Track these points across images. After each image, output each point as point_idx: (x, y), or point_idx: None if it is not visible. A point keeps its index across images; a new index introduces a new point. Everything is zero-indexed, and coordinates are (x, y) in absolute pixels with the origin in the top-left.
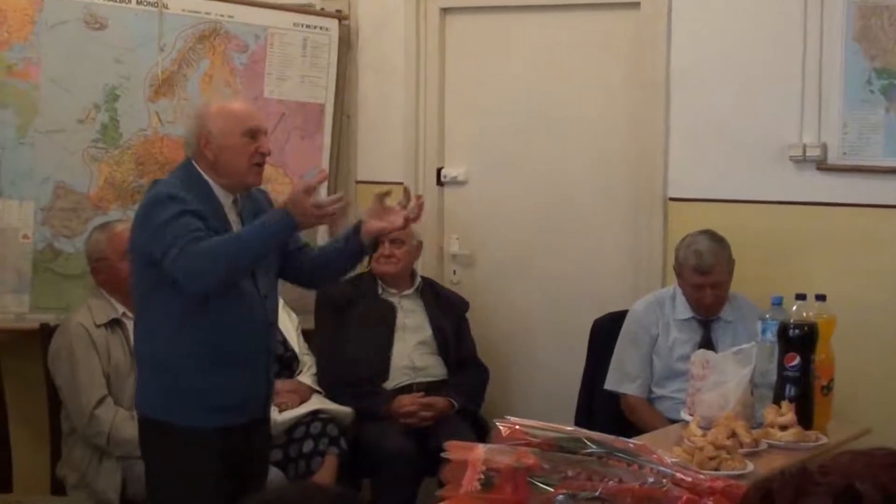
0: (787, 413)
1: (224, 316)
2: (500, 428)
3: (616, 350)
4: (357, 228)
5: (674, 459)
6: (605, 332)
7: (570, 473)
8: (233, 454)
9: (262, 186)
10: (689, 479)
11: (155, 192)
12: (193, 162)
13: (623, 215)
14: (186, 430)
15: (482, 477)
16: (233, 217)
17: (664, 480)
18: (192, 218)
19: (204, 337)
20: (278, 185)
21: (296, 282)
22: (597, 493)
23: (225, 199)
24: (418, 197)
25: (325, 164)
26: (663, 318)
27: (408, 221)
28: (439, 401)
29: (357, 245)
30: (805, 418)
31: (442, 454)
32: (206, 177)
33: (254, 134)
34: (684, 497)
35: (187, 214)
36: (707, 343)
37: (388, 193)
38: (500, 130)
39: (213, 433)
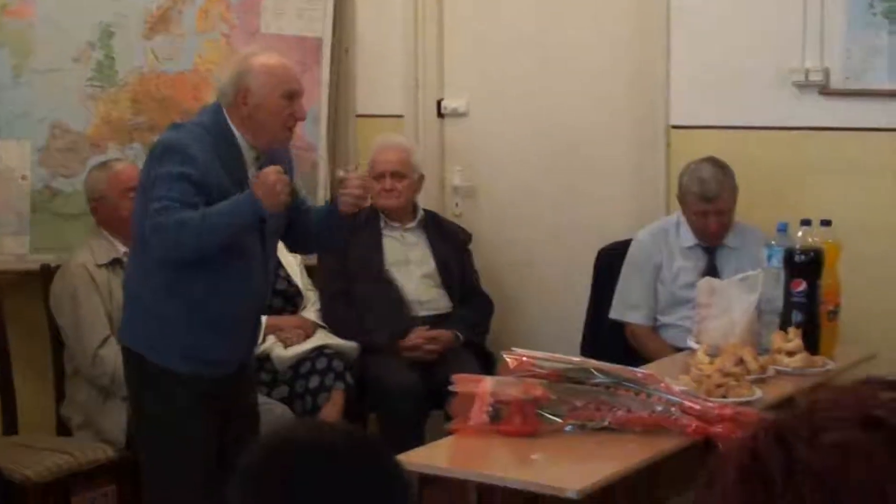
0: (794, 339)
1: (222, 274)
2: (508, 360)
3: (620, 279)
4: (332, 207)
5: (682, 388)
6: (610, 261)
7: (578, 404)
8: (214, 395)
9: None
10: (698, 408)
11: (172, 141)
12: (225, 111)
13: (625, 144)
14: (163, 369)
15: (490, 409)
16: (252, 172)
17: (672, 409)
18: (190, 186)
19: (195, 291)
20: None
21: (295, 247)
22: (605, 423)
23: (248, 152)
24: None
25: (325, 99)
26: (667, 246)
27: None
28: (444, 334)
29: (337, 222)
30: (812, 344)
31: (449, 387)
32: (233, 127)
33: (292, 96)
34: (693, 425)
35: (187, 181)
36: (711, 270)
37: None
38: (500, 60)
39: (188, 376)
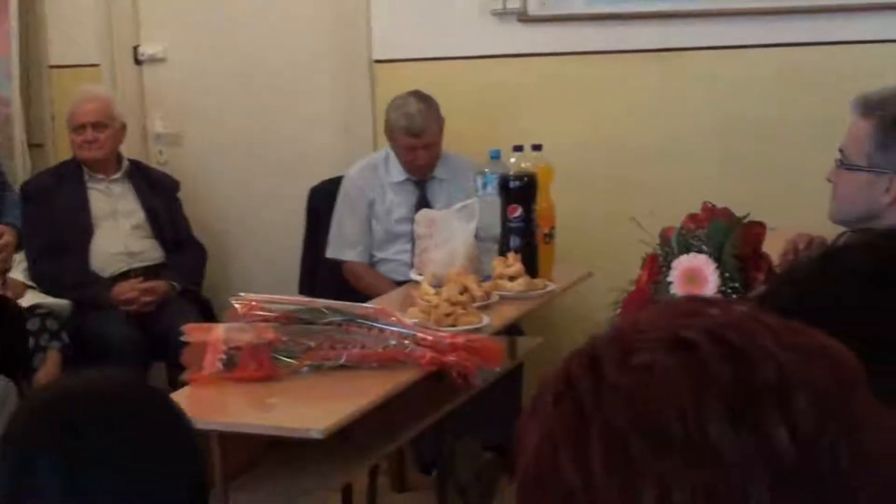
0: (514, 264)
1: None
2: (236, 305)
3: (334, 218)
4: None
5: (413, 320)
6: (323, 199)
7: (312, 344)
8: None
9: None
10: (431, 338)
11: None
12: None
13: (329, 81)
14: None
15: (224, 357)
16: None
17: (406, 342)
18: None
19: None
20: None
21: None
22: (341, 361)
23: None
24: None
25: (15, 50)
26: (378, 182)
27: None
28: (159, 284)
29: None
30: (531, 267)
31: (177, 338)
32: None
33: None
34: (428, 356)
35: None
36: (424, 203)
37: None
38: (197, 3)
39: None
